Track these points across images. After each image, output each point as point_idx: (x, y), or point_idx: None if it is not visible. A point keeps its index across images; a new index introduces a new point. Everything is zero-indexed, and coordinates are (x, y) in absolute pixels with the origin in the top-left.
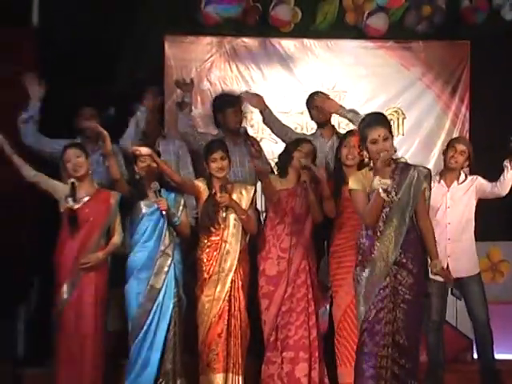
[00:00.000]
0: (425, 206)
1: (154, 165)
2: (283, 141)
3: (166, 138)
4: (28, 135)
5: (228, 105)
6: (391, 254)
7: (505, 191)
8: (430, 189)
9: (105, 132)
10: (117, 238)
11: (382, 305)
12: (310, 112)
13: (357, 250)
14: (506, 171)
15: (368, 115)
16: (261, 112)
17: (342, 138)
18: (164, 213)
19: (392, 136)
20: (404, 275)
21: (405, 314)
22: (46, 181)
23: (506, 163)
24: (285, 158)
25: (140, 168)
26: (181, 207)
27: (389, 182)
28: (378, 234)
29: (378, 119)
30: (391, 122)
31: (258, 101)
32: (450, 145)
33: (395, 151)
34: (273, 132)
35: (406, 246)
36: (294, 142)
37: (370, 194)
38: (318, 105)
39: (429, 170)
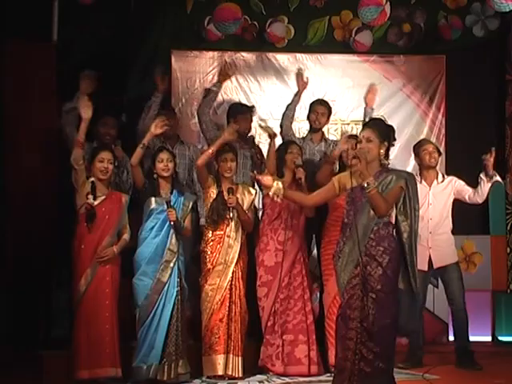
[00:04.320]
0: (393, 198)
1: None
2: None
3: (183, 143)
4: (68, 125)
5: (240, 112)
6: (361, 244)
7: (481, 200)
8: (411, 189)
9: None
10: (126, 235)
11: (352, 292)
12: (309, 115)
13: (341, 227)
14: (482, 184)
15: (368, 120)
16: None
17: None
18: (172, 223)
19: (382, 141)
20: (373, 266)
21: (373, 303)
22: (82, 172)
23: (482, 176)
24: (278, 162)
25: (158, 168)
26: (187, 211)
27: (371, 181)
28: (352, 227)
29: (368, 123)
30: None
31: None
32: (420, 148)
33: (387, 157)
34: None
35: (378, 240)
36: (282, 146)
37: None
38: (320, 111)
39: (409, 173)
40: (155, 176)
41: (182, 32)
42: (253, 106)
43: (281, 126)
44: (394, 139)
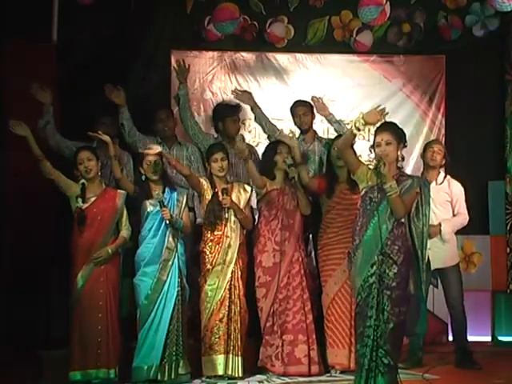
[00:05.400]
0: (410, 202)
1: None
2: (269, 138)
3: (180, 144)
4: (49, 139)
5: (227, 114)
6: (378, 243)
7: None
8: (424, 195)
9: (107, 138)
10: (125, 233)
11: (369, 290)
12: (293, 119)
13: (353, 229)
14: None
15: (381, 123)
16: (252, 109)
17: (330, 141)
18: (168, 222)
19: (399, 143)
20: (389, 264)
21: (388, 300)
22: (60, 179)
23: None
24: (268, 164)
25: (145, 169)
26: (182, 207)
27: (394, 185)
28: (369, 226)
29: (383, 126)
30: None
31: (248, 97)
32: (428, 146)
33: (402, 159)
34: (264, 130)
35: (393, 239)
36: (270, 147)
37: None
38: (301, 113)
39: (424, 179)
40: (143, 178)
41: (182, 32)
42: (239, 105)
43: (261, 125)
44: (406, 141)
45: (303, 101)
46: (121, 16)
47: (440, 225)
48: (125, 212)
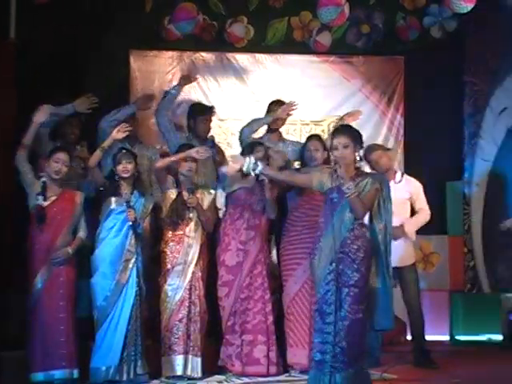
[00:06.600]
0: (371, 200)
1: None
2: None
3: (142, 143)
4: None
5: (200, 113)
6: (337, 242)
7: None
8: (385, 191)
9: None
10: (82, 234)
11: (327, 287)
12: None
13: (316, 228)
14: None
15: (337, 126)
16: None
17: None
18: (131, 223)
19: (356, 145)
20: (348, 263)
21: (347, 297)
22: (29, 174)
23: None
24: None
25: (119, 170)
26: (147, 212)
27: (352, 186)
28: (329, 226)
29: (340, 129)
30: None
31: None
32: (373, 153)
33: (361, 159)
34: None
35: (353, 238)
36: (248, 147)
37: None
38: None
39: (382, 175)
40: (116, 177)
41: (142, 32)
42: (212, 107)
43: (240, 133)
44: (363, 143)
45: (282, 101)
46: (80, 15)
47: (403, 226)
48: (83, 213)
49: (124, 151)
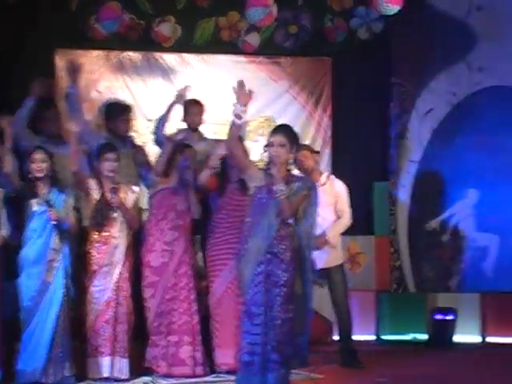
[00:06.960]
0: (298, 204)
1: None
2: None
3: (65, 143)
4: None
5: (118, 113)
6: (265, 242)
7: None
8: (312, 196)
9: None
10: (3, 231)
11: (256, 289)
12: (184, 117)
13: (242, 229)
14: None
15: (277, 125)
16: None
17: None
18: (54, 223)
19: (292, 146)
20: (277, 263)
21: (277, 297)
22: None
23: None
24: (167, 163)
25: (32, 169)
26: (70, 208)
27: (283, 187)
28: (257, 226)
29: (279, 128)
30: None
31: None
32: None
33: (294, 161)
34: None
35: (280, 239)
36: (177, 150)
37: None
38: (195, 112)
39: (312, 181)
40: (31, 177)
41: (67, 31)
42: (131, 105)
43: (155, 134)
44: (299, 146)
45: (198, 101)
46: (3, 14)
47: (325, 234)
48: (3, 210)
49: (38, 150)
